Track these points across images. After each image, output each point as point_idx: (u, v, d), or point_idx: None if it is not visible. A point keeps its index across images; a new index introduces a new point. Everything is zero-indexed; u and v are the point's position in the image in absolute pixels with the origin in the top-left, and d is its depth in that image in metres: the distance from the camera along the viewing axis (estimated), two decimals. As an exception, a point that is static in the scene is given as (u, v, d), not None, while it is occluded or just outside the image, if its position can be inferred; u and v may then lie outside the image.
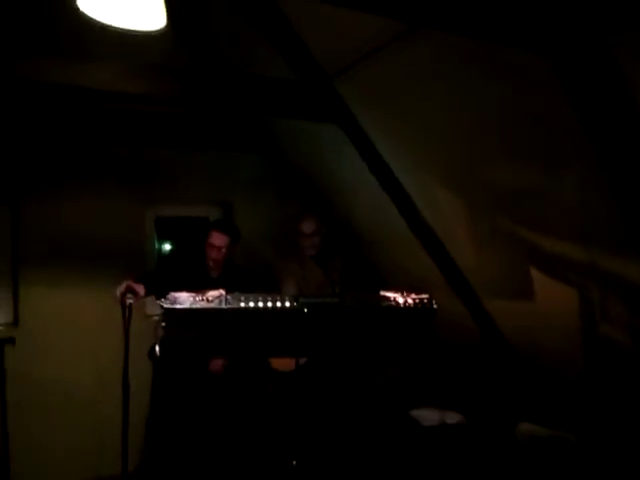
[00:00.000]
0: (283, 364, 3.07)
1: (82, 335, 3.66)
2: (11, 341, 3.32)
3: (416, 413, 3.46)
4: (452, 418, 3.39)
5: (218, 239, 3.26)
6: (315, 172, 4.00)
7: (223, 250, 3.28)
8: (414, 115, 2.76)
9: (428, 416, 3.40)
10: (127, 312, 2.52)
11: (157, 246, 4.08)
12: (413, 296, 2.19)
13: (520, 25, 1.78)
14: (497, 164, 2.55)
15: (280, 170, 4.30)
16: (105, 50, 2.45)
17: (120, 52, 2.43)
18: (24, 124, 3.45)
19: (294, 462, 2.25)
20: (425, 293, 2.23)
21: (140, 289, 2.73)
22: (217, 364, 3.26)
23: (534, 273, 2.81)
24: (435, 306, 2.20)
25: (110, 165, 3.74)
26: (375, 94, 2.85)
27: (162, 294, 2.02)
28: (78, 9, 1.66)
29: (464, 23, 1.79)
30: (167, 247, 4.24)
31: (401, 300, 2.17)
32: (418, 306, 2.18)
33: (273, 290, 3.29)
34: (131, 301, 2.57)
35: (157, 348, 2.51)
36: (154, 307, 3.79)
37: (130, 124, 3.72)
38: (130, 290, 2.66)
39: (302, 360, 2.25)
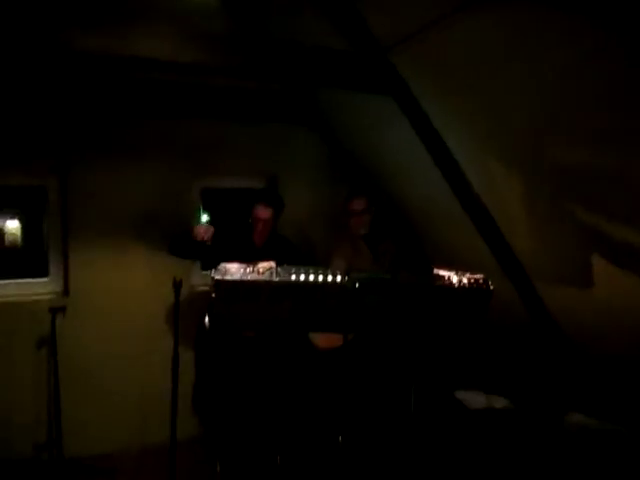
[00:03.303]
0: (329, 342, 3.03)
1: (130, 304, 3.72)
2: (62, 310, 3.38)
3: (462, 395, 3.38)
4: (499, 402, 3.30)
5: (263, 212, 3.32)
6: (366, 146, 3.91)
7: (268, 222, 3.34)
8: (473, 89, 2.63)
9: (474, 399, 3.32)
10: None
11: (203, 217, 4.07)
12: (468, 276, 2.11)
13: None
14: (564, 143, 2.40)
15: (330, 145, 4.21)
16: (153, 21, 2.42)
17: (168, 22, 2.40)
18: (74, 95, 3.45)
19: (340, 438, 2.23)
20: (479, 274, 2.15)
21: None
22: None
23: (595, 259, 2.67)
24: (491, 287, 2.12)
25: (158, 137, 3.73)
26: (433, 66, 2.74)
27: (208, 262, 2.00)
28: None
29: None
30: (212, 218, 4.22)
31: (455, 280, 2.10)
32: (473, 286, 2.10)
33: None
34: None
35: (207, 320, 2.52)
36: (200, 277, 3.84)
37: (178, 96, 3.69)
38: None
39: (350, 336, 2.20)
